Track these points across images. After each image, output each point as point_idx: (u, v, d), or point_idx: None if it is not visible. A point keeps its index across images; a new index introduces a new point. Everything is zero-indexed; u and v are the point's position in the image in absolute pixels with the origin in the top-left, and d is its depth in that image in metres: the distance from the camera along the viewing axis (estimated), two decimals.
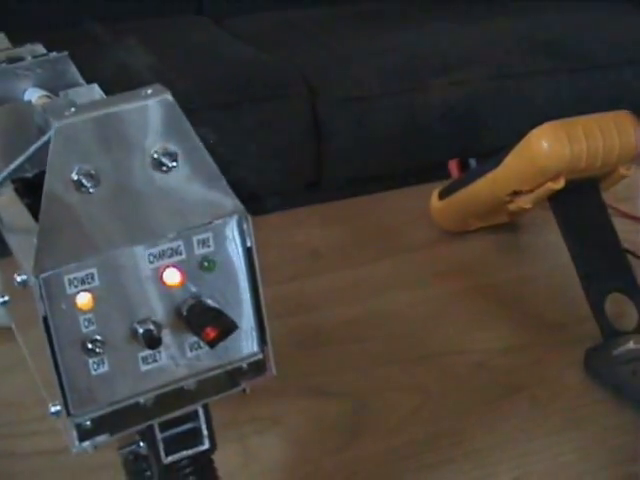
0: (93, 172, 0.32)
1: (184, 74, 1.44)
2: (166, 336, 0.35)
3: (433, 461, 0.53)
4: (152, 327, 0.34)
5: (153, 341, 0.34)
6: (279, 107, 1.50)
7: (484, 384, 0.59)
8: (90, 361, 0.34)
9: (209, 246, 0.35)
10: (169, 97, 0.33)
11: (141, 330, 0.34)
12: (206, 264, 0.35)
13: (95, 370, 0.34)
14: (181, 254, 0.35)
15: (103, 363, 0.34)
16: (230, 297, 0.36)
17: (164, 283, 0.34)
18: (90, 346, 0.33)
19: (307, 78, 1.53)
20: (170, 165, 0.33)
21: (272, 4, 1.84)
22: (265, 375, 0.38)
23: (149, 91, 0.33)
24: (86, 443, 0.34)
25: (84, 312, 0.33)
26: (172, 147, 0.33)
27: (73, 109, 0.32)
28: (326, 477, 0.53)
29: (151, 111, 0.33)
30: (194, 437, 0.38)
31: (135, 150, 0.33)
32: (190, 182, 0.34)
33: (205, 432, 0.38)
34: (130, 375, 0.34)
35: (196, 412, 0.37)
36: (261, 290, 0.37)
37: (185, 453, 0.38)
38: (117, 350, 0.34)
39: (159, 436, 0.37)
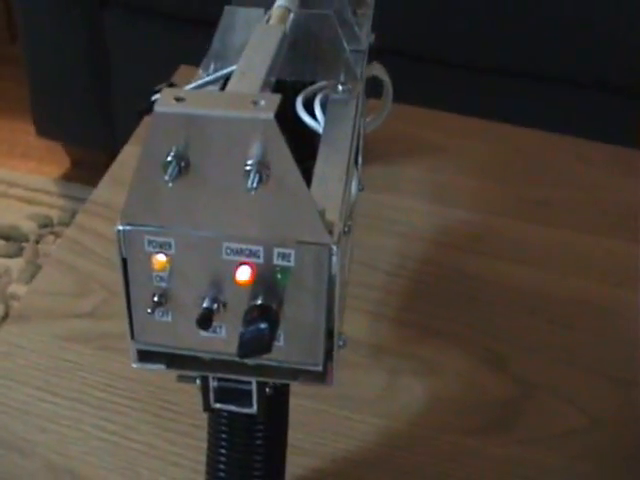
0: (183, 163, 0.32)
1: None
2: (228, 318, 0.36)
3: None
4: (212, 307, 0.35)
5: (204, 322, 0.35)
6: None
7: None
8: (156, 310, 0.36)
9: (289, 261, 0.34)
10: (272, 117, 0.31)
11: (201, 306, 0.35)
12: (279, 276, 0.35)
13: (159, 317, 0.37)
14: (259, 257, 0.34)
15: (167, 314, 0.37)
16: (298, 313, 0.35)
17: (234, 277, 0.35)
18: (157, 299, 0.36)
19: None
20: (259, 182, 0.32)
21: None
22: (324, 384, 0.38)
23: (262, 102, 0.31)
24: (145, 364, 0.38)
25: (157, 270, 0.35)
26: (266, 167, 0.32)
27: (183, 98, 0.32)
28: None
29: (254, 126, 0.31)
30: (244, 398, 0.40)
31: (231, 155, 0.32)
32: (280, 201, 0.33)
33: (255, 399, 0.40)
34: (190, 334, 0.37)
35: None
36: (337, 313, 0.36)
37: (233, 407, 0.40)
38: (181, 311, 0.36)
39: (212, 383, 0.39)
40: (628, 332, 0.61)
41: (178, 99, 0.32)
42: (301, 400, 0.56)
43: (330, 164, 0.39)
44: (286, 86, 0.44)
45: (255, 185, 0.31)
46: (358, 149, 0.48)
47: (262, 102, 0.31)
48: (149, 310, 0.36)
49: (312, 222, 0.33)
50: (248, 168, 0.32)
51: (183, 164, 0.32)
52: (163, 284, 0.36)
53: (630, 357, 0.59)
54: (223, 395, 0.40)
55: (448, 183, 0.74)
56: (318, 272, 0.34)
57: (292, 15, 0.44)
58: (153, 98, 0.42)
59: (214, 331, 0.36)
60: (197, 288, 0.36)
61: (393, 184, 0.73)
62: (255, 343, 0.34)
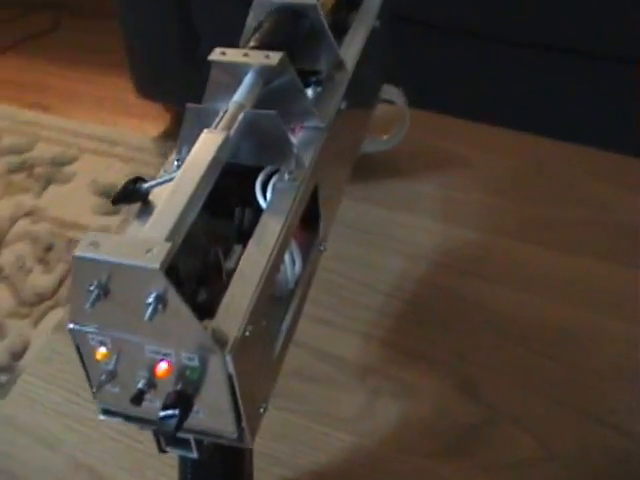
0: (103, 291, 0.40)
1: None
2: (159, 395, 0.44)
3: None
4: (144, 389, 0.44)
5: (136, 400, 0.44)
6: None
7: None
8: (105, 384, 0.45)
9: (195, 362, 0.42)
10: (156, 268, 0.38)
11: (136, 387, 0.44)
12: (189, 372, 0.42)
13: (110, 389, 0.46)
14: (172, 357, 0.42)
15: (115, 387, 0.45)
16: (210, 398, 0.43)
17: (156, 370, 0.43)
18: (103, 378, 0.45)
19: None
20: (153, 314, 0.39)
21: None
22: (243, 445, 0.46)
23: (154, 251, 0.39)
24: (108, 417, 0.48)
25: (100, 359, 0.44)
26: (161, 302, 0.39)
27: (97, 244, 0.39)
28: None
29: (145, 273, 0.38)
30: (188, 445, 0.48)
31: (135, 290, 0.40)
32: (176, 325, 0.40)
33: (194, 448, 0.48)
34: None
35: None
36: (240, 401, 0.43)
37: (180, 452, 0.49)
38: (125, 387, 0.45)
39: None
40: (608, 365, 0.65)
41: (93, 244, 0.40)
42: (285, 414, 0.65)
43: (251, 263, 0.46)
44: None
45: (150, 317, 0.39)
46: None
47: (154, 250, 0.39)
48: (100, 384, 0.45)
49: (202, 340, 0.41)
50: (148, 301, 0.39)
51: (103, 292, 0.40)
52: (109, 367, 0.44)
53: (602, 392, 0.63)
54: (170, 442, 0.49)
55: (463, 200, 0.78)
56: (217, 373, 0.42)
57: (245, 110, 0.50)
58: (123, 188, 0.50)
59: (151, 402, 0.45)
60: (133, 373, 0.44)
61: (408, 201, 0.78)
62: (167, 425, 0.42)
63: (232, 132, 0.48)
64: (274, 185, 0.50)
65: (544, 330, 0.68)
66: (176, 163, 0.52)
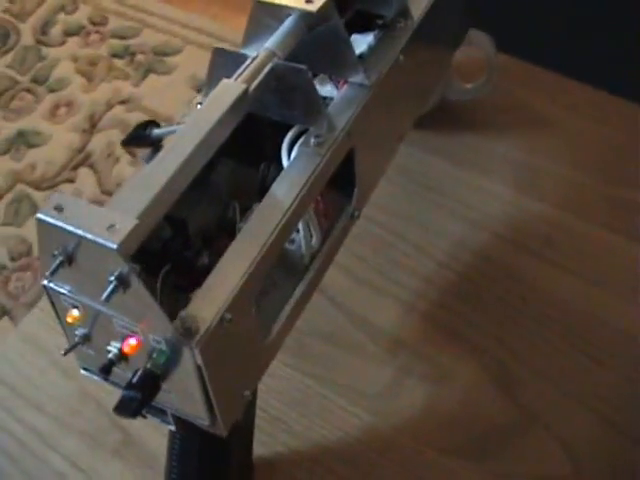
0: (66, 257, 0.36)
1: None
2: (131, 367, 0.41)
3: None
4: (114, 360, 0.40)
5: (104, 371, 0.40)
6: None
7: None
8: (80, 346, 0.42)
9: (162, 346, 0.38)
10: (114, 247, 0.34)
11: (106, 356, 0.40)
12: (156, 355, 0.38)
13: (86, 350, 0.42)
14: (140, 335, 0.38)
15: (90, 349, 0.42)
16: (180, 383, 0.40)
17: (124, 345, 0.39)
18: (77, 339, 0.41)
19: None
20: (111, 294, 0.35)
21: None
22: (216, 432, 0.42)
23: (117, 226, 0.34)
24: (89, 374, 0.45)
25: (72, 321, 0.41)
26: (123, 283, 0.35)
27: (62, 208, 0.35)
28: None
29: (104, 250, 0.34)
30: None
31: (97, 263, 0.35)
32: (137, 306, 0.36)
33: (171, 420, 0.45)
34: None
35: None
36: (211, 393, 0.39)
37: (159, 421, 0.46)
38: (98, 352, 0.41)
39: None
40: None
41: (58, 208, 0.35)
42: (308, 380, 0.61)
43: (250, 237, 0.41)
44: None
45: (106, 297, 0.35)
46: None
47: (117, 226, 0.34)
48: (74, 344, 0.42)
49: (164, 327, 0.36)
50: (109, 279, 0.35)
51: (67, 259, 0.36)
52: (82, 330, 0.41)
53: None
54: (150, 410, 0.45)
55: (543, 170, 0.70)
56: (185, 362, 0.38)
57: (274, 61, 0.44)
58: (133, 131, 0.46)
59: (124, 371, 0.41)
60: (104, 342, 0.40)
61: (482, 161, 0.70)
62: (127, 406, 0.39)
63: (254, 85, 0.43)
64: (298, 148, 0.45)
65: (602, 331, 0.60)
66: (198, 107, 0.47)
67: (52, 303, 0.41)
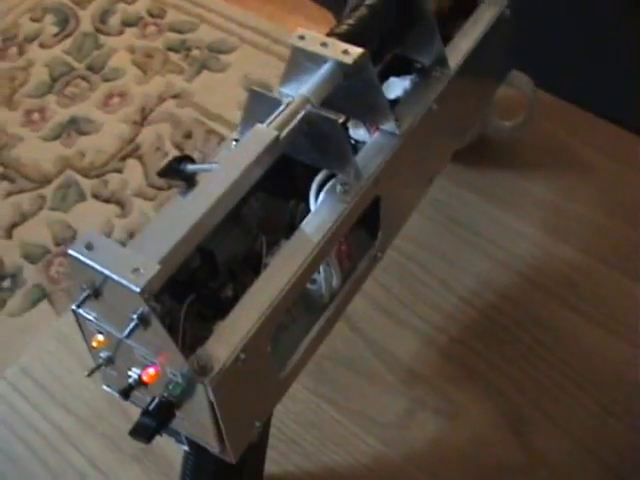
0: (93, 291, 0.39)
1: None
2: (150, 393, 0.43)
3: None
4: (133, 384, 0.43)
5: (124, 394, 0.43)
6: None
7: None
8: (104, 367, 0.44)
9: (178, 379, 0.40)
10: (137, 291, 0.36)
11: (127, 381, 0.43)
12: (172, 386, 0.41)
13: (110, 371, 0.45)
14: (158, 366, 0.41)
15: (114, 371, 0.45)
16: (193, 414, 0.42)
17: (143, 373, 0.42)
18: (101, 361, 0.44)
19: None
20: (131, 332, 0.38)
21: None
22: (227, 459, 0.45)
23: (141, 271, 0.36)
24: (109, 390, 0.47)
25: (96, 345, 0.43)
26: (144, 322, 0.37)
27: (92, 247, 0.38)
28: None
29: (128, 292, 0.36)
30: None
31: (121, 301, 0.38)
32: (160, 344, 0.38)
33: (185, 441, 0.47)
34: None
35: None
36: (222, 426, 0.41)
37: (174, 440, 0.48)
38: (121, 374, 0.44)
39: None
40: None
41: (88, 247, 0.38)
42: (324, 403, 0.63)
43: (271, 278, 0.43)
44: None
45: (128, 334, 0.37)
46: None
47: (141, 271, 0.36)
48: (98, 365, 0.44)
49: (179, 364, 0.39)
50: (131, 317, 0.37)
51: (94, 293, 0.39)
52: (106, 353, 0.43)
53: None
54: (166, 431, 0.48)
55: (575, 214, 0.70)
56: (199, 396, 0.40)
57: (307, 108, 0.45)
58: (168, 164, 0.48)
59: (143, 395, 0.44)
60: (126, 367, 0.43)
61: (514, 200, 0.71)
62: (142, 432, 0.41)
63: (285, 132, 0.44)
64: (325, 194, 0.46)
65: (618, 382, 0.61)
66: (234, 144, 0.49)
67: (79, 325, 0.44)
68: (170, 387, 0.41)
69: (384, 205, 0.50)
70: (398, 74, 0.54)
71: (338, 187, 0.46)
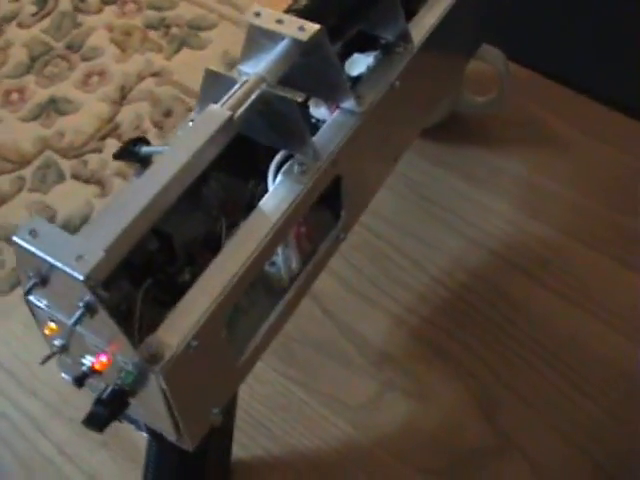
0: (39, 279, 0.38)
1: None
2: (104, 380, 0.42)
3: None
4: (87, 372, 0.42)
5: (78, 382, 0.42)
6: None
7: None
8: (58, 355, 0.43)
9: (129, 367, 0.39)
10: (81, 279, 0.35)
11: (80, 368, 0.42)
12: (124, 374, 0.40)
13: (64, 358, 0.44)
14: (109, 354, 0.40)
15: (67, 359, 0.44)
16: (148, 402, 0.41)
17: (95, 361, 0.41)
18: (55, 349, 0.43)
19: None
20: (78, 320, 0.37)
21: None
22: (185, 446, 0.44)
23: (85, 257, 0.35)
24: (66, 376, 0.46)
25: (49, 333, 0.42)
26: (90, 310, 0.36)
27: (36, 233, 0.36)
28: None
29: (72, 280, 0.35)
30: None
31: (66, 290, 0.37)
32: (108, 332, 0.38)
33: (144, 429, 0.46)
34: None
35: None
36: (176, 413, 0.41)
37: (133, 427, 0.47)
38: (75, 362, 0.43)
39: None
40: None
41: (32, 233, 0.37)
42: (293, 386, 0.62)
43: (225, 262, 0.42)
44: None
45: (74, 323, 0.36)
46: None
47: (85, 258, 0.35)
48: (53, 353, 0.43)
49: (129, 353, 0.38)
50: (78, 305, 0.36)
51: (41, 281, 0.38)
52: (59, 341, 0.43)
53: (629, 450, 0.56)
54: (125, 419, 0.47)
55: (549, 191, 0.69)
56: (151, 384, 0.39)
57: (262, 87, 0.44)
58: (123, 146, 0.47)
59: (97, 381, 0.43)
60: (79, 355, 0.42)
61: (488, 177, 0.70)
62: (94, 421, 0.40)
63: (239, 112, 0.43)
64: (282, 175, 0.45)
65: (592, 363, 0.60)
66: (190, 124, 0.47)
67: (32, 313, 0.43)
68: (122, 375, 0.40)
69: (346, 185, 0.49)
70: (363, 50, 0.53)
71: (296, 167, 0.45)
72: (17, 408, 0.63)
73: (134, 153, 0.46)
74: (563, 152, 0.70)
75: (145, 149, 0.46)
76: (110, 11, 1.42)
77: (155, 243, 0.46)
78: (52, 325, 0.42)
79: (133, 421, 0.46)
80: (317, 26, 0.44)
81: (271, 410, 0.61)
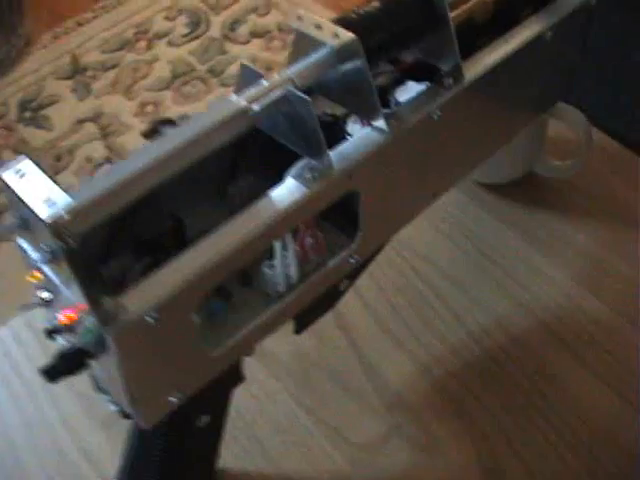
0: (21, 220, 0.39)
1: None
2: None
3: None
4: (54, 328, 0.42)
5: (48, 335, 0.43)
6: None
7: None
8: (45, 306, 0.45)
9: (90, 323, 0.40)
10: (48, 222, 0.36)
11: (54, 323, 0.43)
12: (85, 331, 0.40)
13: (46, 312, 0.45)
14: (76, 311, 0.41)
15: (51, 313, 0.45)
16: (106, 367, 0.41)
17: (63, 314, 0.41)
18: (39, 301, 0.44)
19: None
20: (41, 262, 0.38)
21: None
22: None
23: (57, 204, 0.37)
24: None
25: (31, 279, 0.43)
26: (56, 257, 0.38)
27: (23, 175, 0.38)
28: None
29: (42, 225, 0.37)
30: None
31: (39, 229, 0.38)
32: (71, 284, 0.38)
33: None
34: None
35: None
36: (126, 383, 0.41)
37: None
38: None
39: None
40: None
41: (19, 173, 0.38)
42: (300, 411, 0.61)
43: (203, 248, 0.42)
44: None
45: (36, 265, 0.38)
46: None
47: (57, 203, 0.37)
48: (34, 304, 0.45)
49: (87, 310, 0.38)
50: (44, 249, 0.38)
51: (24, 223, 0.39)
52: (42, 293, 0.44)
53: None
54: (100, 390, 0.47)
55: (612, 269, 0.65)
56: (108, 347, 0.39)
57: (287, 87, 0.44)
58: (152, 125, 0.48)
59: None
60: (57, 309, 0.43)
61: (552, 245, 0.67)
62: (48, 373, 0.41)
63: (257, 106, 0.44)
64: (292, 176, 0.45)
65: (618, 453, 0.55)
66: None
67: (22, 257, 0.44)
68: (82, 332, 0.40)
69: (364, 204, 0.48)
70: (420, 80, 0.52)
71: (306, 171, 0.45)
72: (36, 372, 0.64)
73: (161, 133, 0.48)
74: (635, 231, 0.66)
75: (171, 130, 0.47)
76: (256, 44, 1.48)
77: (167, 224, 0.47)
78: (36, 273, 0.43)
79: (105, 392, 0.46)
80: (351, 35, 0.44)
81: (273, 430, 0.60)
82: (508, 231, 0.68)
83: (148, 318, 0.39)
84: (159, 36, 1.48)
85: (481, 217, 0.68)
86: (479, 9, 0.53)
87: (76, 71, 1.55)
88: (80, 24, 1.65)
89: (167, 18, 1.50)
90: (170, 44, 1.49)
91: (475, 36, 0.53)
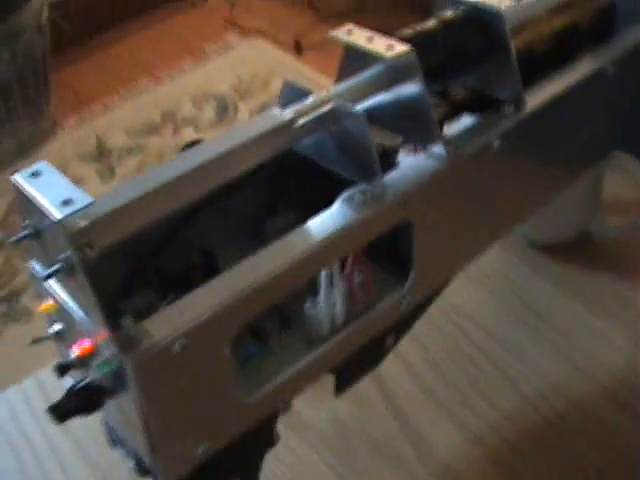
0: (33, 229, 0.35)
1: None
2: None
3: None
4: (72, 362, 0.37)
5: (59, 371, 0.37)
6: None
7: None
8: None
9: (107, 352, 0.34)
10: (59, 222, 0.31)
11: (68, 357, 0.38)
12: (102, 364, 0.35)
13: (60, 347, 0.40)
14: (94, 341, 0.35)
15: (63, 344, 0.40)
16: (123, 406, 0.36)
17: (79, 345, 0.36)
18: (51, 332, 0.39)
19: None
20: (51, 275, 0.33)
21: None
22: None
23: (74, 207, 0.32)
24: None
25: (45, 310, 0.38)
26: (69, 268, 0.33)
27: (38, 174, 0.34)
28: None
29: (57, 231, 0.32)
30: None
31: (55, 238, 0.33)
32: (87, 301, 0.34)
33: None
34: None
35: None
36: (148, 428, 0.35)
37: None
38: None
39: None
40: None
41: (35, 174, 0.34)
42: (333, 477, 0.54)
43: (238, 277, 0.37)
44: None
45: (46, 276, 0.33)
46: None
47: (74, 203, 0.32)
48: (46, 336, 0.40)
49: (104, 333, 0.33)
50: (58, 259, 0.33)
51: (35, 232, 0.35)
52: (57, 325, 0.39)
53: None
54: (115, 441, 0.42)
55: None
56: (127, 380, 0.34)
57: (335, 103, 0.40)
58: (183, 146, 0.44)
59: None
60: (72, 342, 0.38)
61: (610, 307, 0.62)
62: (57, 411, 0.36)
63: (302, 120, 0.39)
64: (341, 201, 0.40)
65: None
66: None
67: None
68: (99, 364, 0.35)
69: (419, 237, 0.43)
70: (474, 111, 0.48)
71: (357, 196, 0.40)
72: (46, 437, 0.59)
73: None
74: None
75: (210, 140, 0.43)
76: None
77: (197, 259, 0.42)
78: (48, 303, 0.38)
79: (121, 443, 0.41)
80: (406, 46, 0.40)
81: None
82: (560, 291, 0.63)
83: (175, 346, 0.34)
84: (186, 122, 1.48)
85: (529, 276, 0.63)
86: (539, 39, 0.50)
87: (101, 154, 1.54)
88: (106, 106, 1.65)
89: (194, 103, 1.50)
90: (197, 129, 1.48)
91: (533, 67, 0.49)
